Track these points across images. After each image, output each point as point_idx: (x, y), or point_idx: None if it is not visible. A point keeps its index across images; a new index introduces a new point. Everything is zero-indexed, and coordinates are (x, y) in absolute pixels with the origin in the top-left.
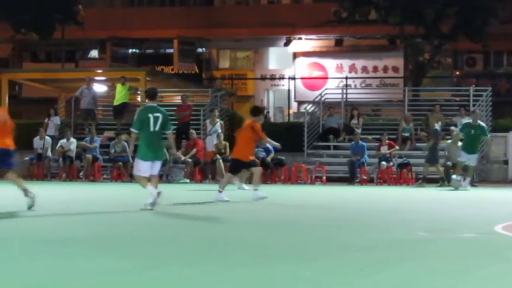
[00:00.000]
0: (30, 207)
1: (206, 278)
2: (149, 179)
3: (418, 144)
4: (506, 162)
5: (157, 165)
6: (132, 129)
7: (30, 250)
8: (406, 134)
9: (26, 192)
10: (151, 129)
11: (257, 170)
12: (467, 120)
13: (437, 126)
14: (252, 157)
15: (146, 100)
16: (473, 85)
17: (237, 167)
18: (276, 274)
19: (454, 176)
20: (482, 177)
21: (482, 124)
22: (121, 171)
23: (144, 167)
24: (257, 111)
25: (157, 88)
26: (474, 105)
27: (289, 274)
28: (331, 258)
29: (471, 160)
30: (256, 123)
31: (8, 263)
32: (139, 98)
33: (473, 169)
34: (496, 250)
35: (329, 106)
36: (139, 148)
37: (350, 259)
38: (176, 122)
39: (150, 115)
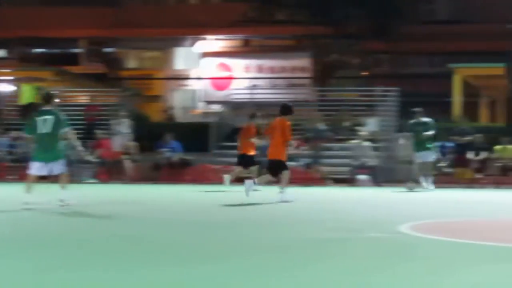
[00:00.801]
0: None
1: (111, 278)
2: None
3: (326, 145)
4: (410, 162)
5: (53, 165)
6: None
7: None
8: (312, 135)
9: None
10: (41, 131)
11: (286, 173)
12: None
13: (321, 126)
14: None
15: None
16: (381, 86)
17: (277, 168)
18: (184, 274)
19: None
20: (389, 177)
21: (428, 119)
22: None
23: (34, 167)
24: (287, 109)
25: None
26: (381, 106)
27: (193, 273)
28: (241, 258)
29: (424, 157)
30: (286, 122)
31: None
32: None
33: (431, 166)
34: (401, 249)
35: (236, 106)
36: (33, 149)
37: (260, 259)
38: (84, 122)
39: (39, 118)
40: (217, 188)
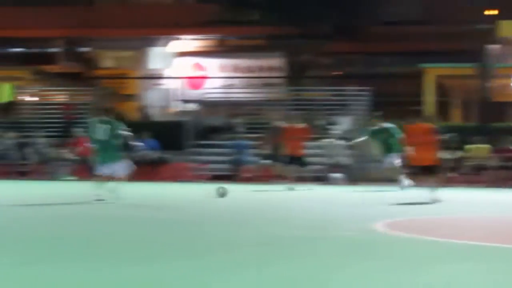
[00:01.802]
0: None
1: (88, 275)
2: None
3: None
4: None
5: (114, 166)
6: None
7: None
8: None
9: None
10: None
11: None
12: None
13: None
14: None
15: None
16: (353, 86)
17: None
18: (158, 271)
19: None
20: (362, 175)
21: (389, 125)
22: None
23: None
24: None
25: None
26: (353, 105)
27: (169, 271)
28: (209, 255)
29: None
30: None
31: None
32: (24, 97)
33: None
34: (370, 247)
35: (211, 105)
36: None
37: (228, 256)
38: (62, 120)
39: (98, 125)
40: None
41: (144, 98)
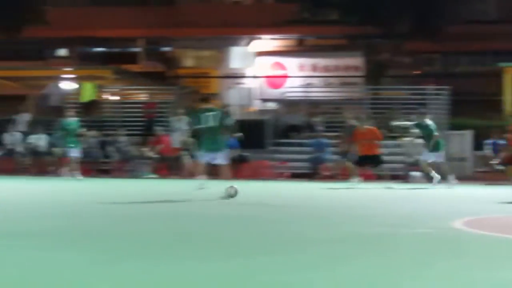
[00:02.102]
0: None
1: (173, 271)
2: None
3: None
4: (463, 160)
5: (216, 155)
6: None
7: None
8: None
9: None
10: (206, 124)
11: None
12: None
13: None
14: None
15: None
16: (432, 85)
17: None
18: (237, 267)
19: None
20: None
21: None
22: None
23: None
24: None
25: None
26: (432, 104)
27: (249, 267)
28: (291, 251)
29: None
30: None
31: None
32: (106, 96)
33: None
34: (452, 245)
35: (291, 104)
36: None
37: (310, 253)
38: (144, 119)
39: (203, 114)
40: (271, 184)
41: (225, 97)
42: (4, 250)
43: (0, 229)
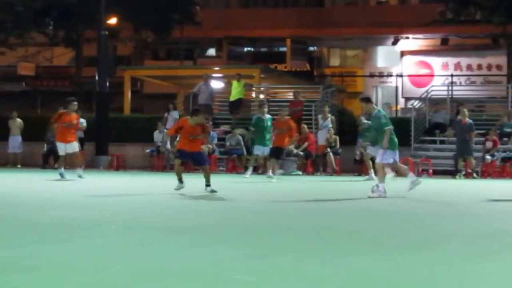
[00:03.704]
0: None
1: (322, 265)
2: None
3: None
4: None
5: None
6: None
7: (152, 238)
8: (509, 130)
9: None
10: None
11: None
12: None
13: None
14: None
15: None
16: None
17: None
18: (380, 262)
19: None
20: None
21: None
22: (235, 163)
23: (387, 156)
24: None
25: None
26: None
27: (393, 262)
28: (434, 247)
29: None
30: None
31: (133, 249)
32: (253, 94)
33: None
34: None
35: (435, 103)
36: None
37: (453, 248)
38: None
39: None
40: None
41: (371, 96)
42: (164, 244)
43: (158, 225)
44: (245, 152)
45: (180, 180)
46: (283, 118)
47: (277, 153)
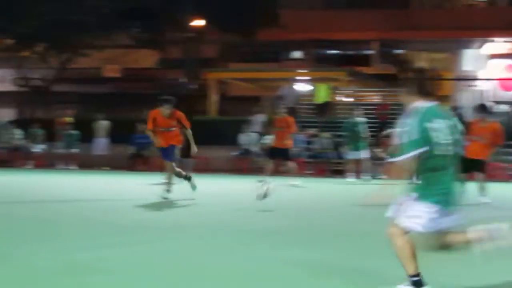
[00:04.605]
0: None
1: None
2: None
3: None
4: None
5: None
6: None
7: (240, 240)
8: None
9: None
10: None
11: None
12: None
13: None
14: None
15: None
16: None
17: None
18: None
19: None
20: None
21: None
22: (325, 166)
23: None
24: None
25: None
26: None
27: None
28: None
29: None
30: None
31: (222, 250)
32: (340, 98)
33: None
34: None
35: None
36: None
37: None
38: (377, 120)
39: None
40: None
41: (458, 99)
42: (242, 246)
43: (239, 228)
44: (335, 156)
45: (185, 177)
46: (281, 115)
47: (272, 154)
